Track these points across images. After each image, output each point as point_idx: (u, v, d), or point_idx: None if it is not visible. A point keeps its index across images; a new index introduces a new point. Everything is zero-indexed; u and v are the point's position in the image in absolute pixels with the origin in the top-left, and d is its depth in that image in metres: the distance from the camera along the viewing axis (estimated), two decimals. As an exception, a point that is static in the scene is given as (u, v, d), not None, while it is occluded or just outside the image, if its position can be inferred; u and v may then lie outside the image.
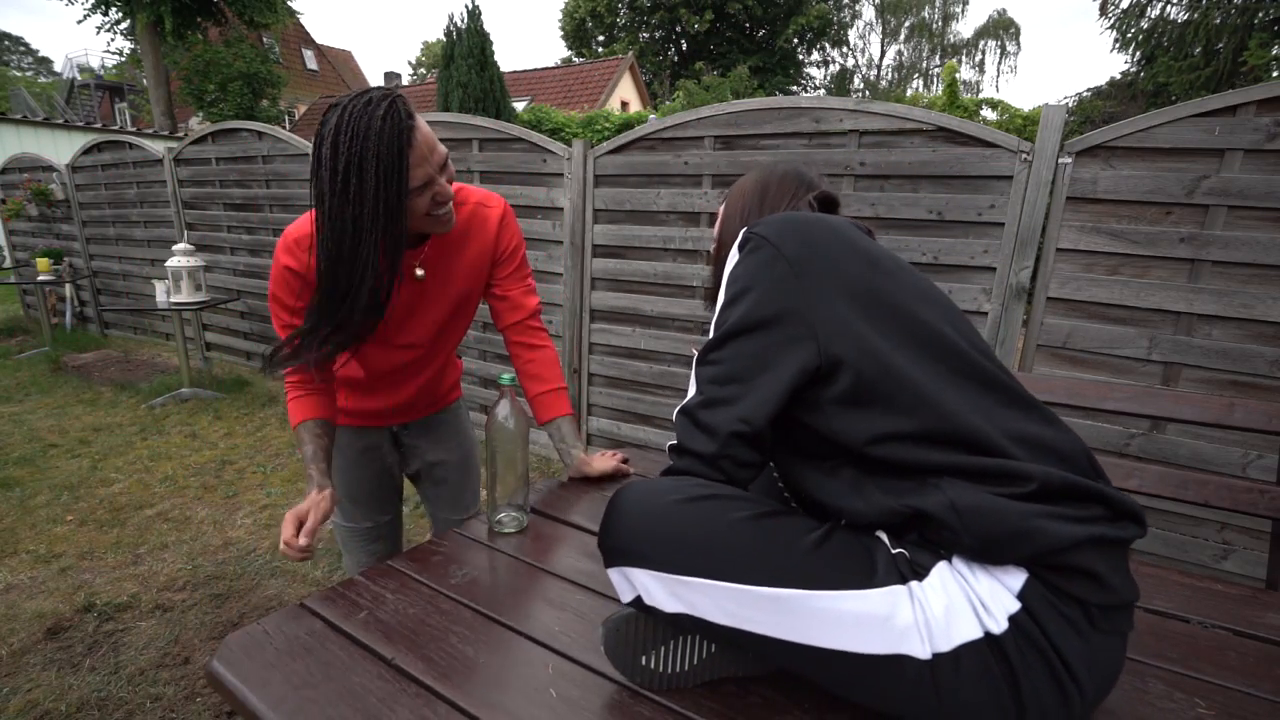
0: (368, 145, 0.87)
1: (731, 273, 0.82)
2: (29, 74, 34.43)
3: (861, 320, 0.73)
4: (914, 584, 0.66)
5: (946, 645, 0.63)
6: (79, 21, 13.85)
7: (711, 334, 0.81)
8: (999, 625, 0.63)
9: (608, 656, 0.79)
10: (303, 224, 1.06)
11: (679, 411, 0.81)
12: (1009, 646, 0.62)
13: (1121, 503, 0.66)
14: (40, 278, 4.98)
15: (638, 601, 0.74)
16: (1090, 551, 0.63)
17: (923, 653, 0.63)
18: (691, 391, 0.82)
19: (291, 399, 1.16)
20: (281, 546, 0.99)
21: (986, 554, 0.65)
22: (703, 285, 2.72)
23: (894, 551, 0.69)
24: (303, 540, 0.97)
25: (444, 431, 1.43)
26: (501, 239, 1.21)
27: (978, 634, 0.63)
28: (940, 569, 0.67)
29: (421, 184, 0.94)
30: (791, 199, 0.97)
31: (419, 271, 1.13)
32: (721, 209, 1.04)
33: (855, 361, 0.71)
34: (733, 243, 0.91)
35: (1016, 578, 0.64)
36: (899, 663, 0.64)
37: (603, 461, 1.32)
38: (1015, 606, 0.63)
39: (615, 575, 0.76)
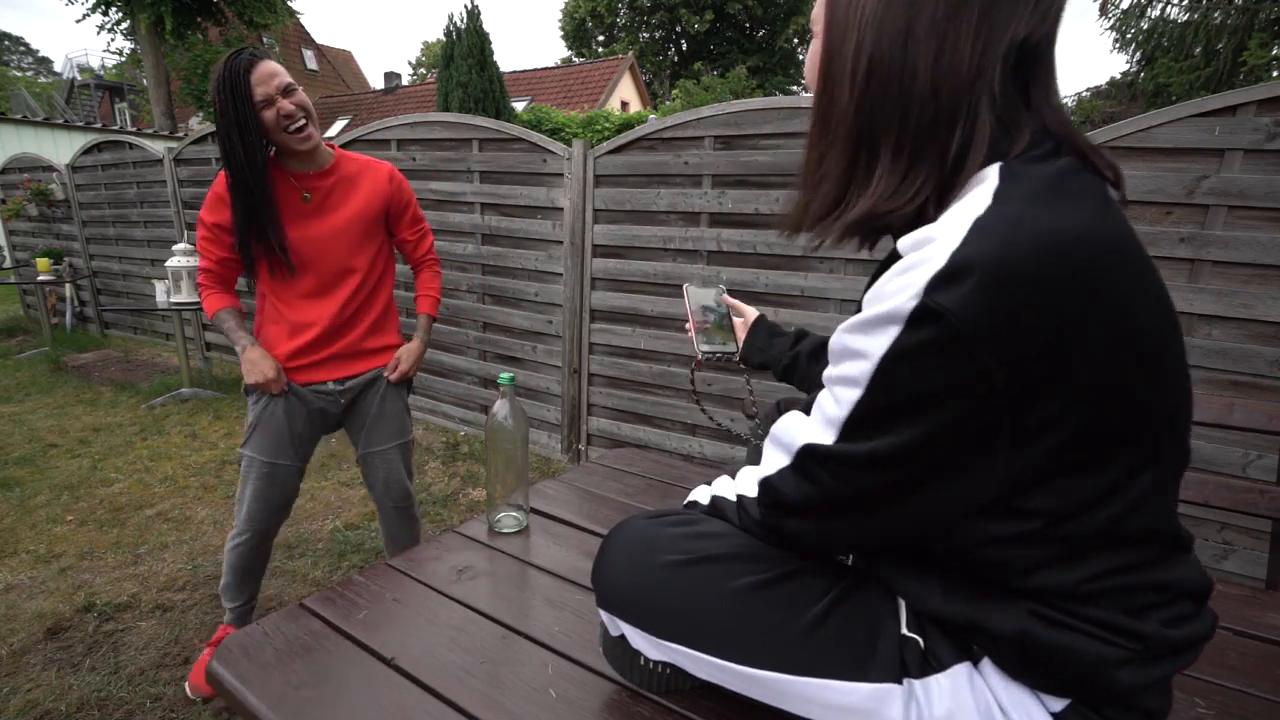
0: (223, 75, 1.33)
1: (891, 362, 0.48)
2: (29, 74, 34.40)
3: None
4: (915, 683, 0.57)
5: None
6: (79, 21, 13.87)
7: (848, 403, 0.51)
8: None
9: (606, 658, 0.79)
10: None
11: (803, 452, 0.56)
12: None
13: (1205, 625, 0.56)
14: (40, 278, 4.98)
15: (623, 639, 0.74)
16: (1154, 692, 0.55)
17: None
18: (817, 436, 0.55)
19: (206, 295, 1.52)
20: (271, 385, 1.49)
21: (1036, 683, 0.55)
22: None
23: (904, 634, 0.59)
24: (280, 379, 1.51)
25: (375, 385, 1.67)
26: (393, 191, 1.61)
27: None
28: (959, 672, 0.56)
29: (263, 99, 1.34)
30: (980, 48, 0.49)
31: (305, 195, 1.48)
32: (822, 17, 0.56)
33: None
34: (834, 96, 0.55)
35: (1058, 702, 0.55)
36: None
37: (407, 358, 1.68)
38: None
39: (604, 615, 0.75)
